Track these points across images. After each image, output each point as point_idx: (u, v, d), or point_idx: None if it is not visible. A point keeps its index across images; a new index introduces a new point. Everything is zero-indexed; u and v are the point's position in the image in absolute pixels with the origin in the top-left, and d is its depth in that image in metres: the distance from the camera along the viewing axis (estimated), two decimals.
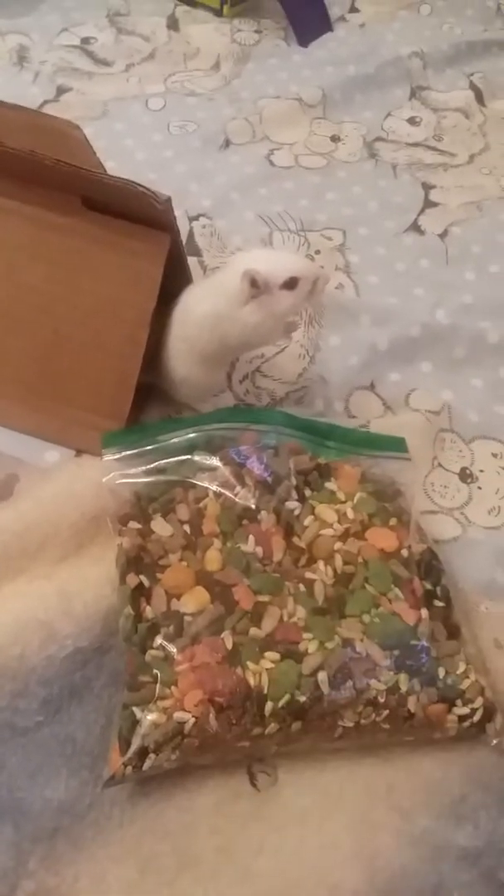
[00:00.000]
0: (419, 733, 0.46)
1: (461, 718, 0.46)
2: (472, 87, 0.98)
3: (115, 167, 0.56)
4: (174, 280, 0.58)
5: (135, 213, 0.54)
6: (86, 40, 0.96)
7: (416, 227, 0.79)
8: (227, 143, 0.85)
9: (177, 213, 0.54)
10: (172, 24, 1.01)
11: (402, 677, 0.45)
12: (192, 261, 0.67)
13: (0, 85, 0.87)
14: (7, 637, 0.45)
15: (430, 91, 0.96)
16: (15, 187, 0.55)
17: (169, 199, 0.52)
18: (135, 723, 0.43)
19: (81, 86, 0.89)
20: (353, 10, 1.08)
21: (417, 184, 0.84)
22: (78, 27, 0.97)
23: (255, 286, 0.50)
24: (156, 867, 0.42)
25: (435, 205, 0.82)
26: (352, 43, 1.01)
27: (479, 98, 0.96)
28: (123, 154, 0.81)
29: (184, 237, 0.64)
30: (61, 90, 0.88)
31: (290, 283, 0.51)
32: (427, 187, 0.84)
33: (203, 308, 0.54)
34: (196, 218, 0.76)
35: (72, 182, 0.54)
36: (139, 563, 0.48)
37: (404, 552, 0.50)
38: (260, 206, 0.78)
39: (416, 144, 0.89)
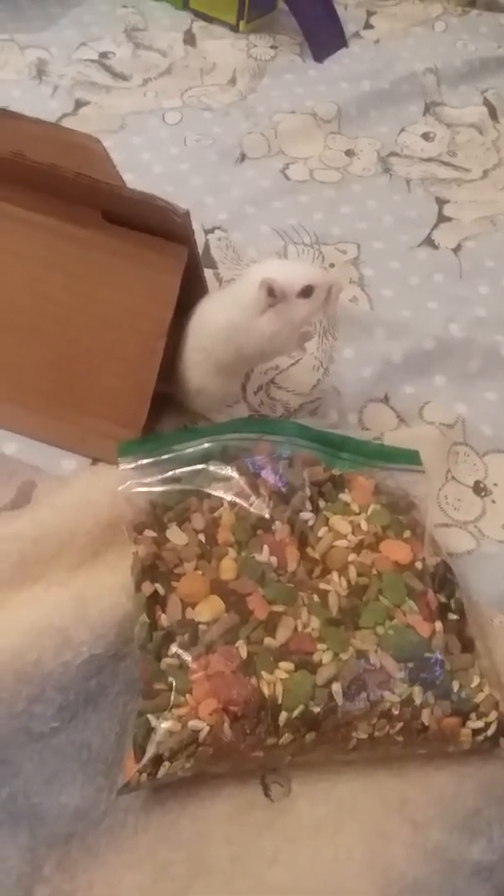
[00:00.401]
0: (433, 746, 0.46)
1: (475, 732, 0.46)
2: (486, 103, 0.98)
3: (132, 180, 0.57)
4: (191, 291, 0.58)
5: (153, 225, 0.55)
6: (104, 55, 0.97)
7: (429, 242, 0.80)
8: (243, 157, 0.86)
9: (193, 225, 0.54)
10: (189, 39, 1.02)
11: (417, 690, 0.45)
12: (207, 273, 0.67)
13: (19, 98, 0.88)
14: (24, 643, 0.46)
15: (444, 107, 0.97)
16: (36, 200, 0.56)
17: (187, 213, 0.52)
18: (150, 730, 0.43)
19: (99, 99, 0.90)
20: (368, 26, 1.09)
21: (431, 198, 0.85)
22: (96, 42, 0.99)
23: (273, 295, 0.51)
24: (169, 875, 0.42)
25: (449, 219, 0.82)
26: (367, 59, 1.02)
27: (493, 114, 0.97)
28: (141, 167, 0.82)
29: (200, 249, 0.65)
30: (80, 104, 0.89)
31: (306, 292, 0.52)
32: (441, 202, 0.84)
33: (219, 318, 0.55)
34: (212, 230, 0.77)
35: (92, 195, 0.54)
36: (154, 571, 0.49)
37: (418, 565, 0.51)
38: (275, 220, 0.79)
39: (430, 159, 0.90)
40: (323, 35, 1.03)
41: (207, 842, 0.43)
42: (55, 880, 0.41)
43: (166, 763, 0.42)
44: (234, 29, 1.03)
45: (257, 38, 1.03)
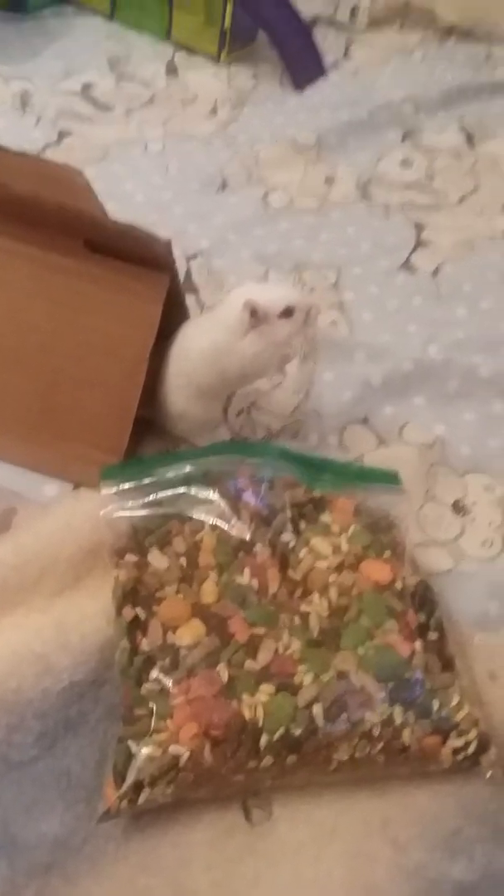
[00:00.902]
0: (414, 766, 0.46)
1: (455, 751, 0.46)
2: (463, 129, 1.01)
3: (115, 209, 0.58)
4: (172, 318, 0.59)
5: (135, 254, 0.56)
6: (87, 86, 0.99)
7: (408, 266, 0.81)
8: (224, 186, 0.87)
9: (175, 252, 0.55)
10: (171, 70, 1.04)
11: (397, 710, 0.46)
12: (189, 299, 0.68)
13: (3, 129, 0.89)
14: (3, 670, 0.46)
15: (422, 134, 0.99)
16: (19, 230, 0.57)
17: (169, 242, 0.53)
18: (130, 756, 0.43)
19: (83, 130, 0.92)
20: (347, 55, 1.11)
21: (410, 224, 0.86)
22: (79, 73, 1.01)
23: (255, 316, 0.52)
24: None
25: (427, 244, 0.84)
26: (346, 88, 1.04)
27: (470, 140, 0.99)
28: (123, 196, 0.83)
29: (181, 276, 0.66)
30: (63, 134, 0.91)
31: (287, 312, 0.53)
32: (419, 227, 0.86)
33: (202, 343, 0.56)
34: (194, 257, 0.78)
35: (74, 225, 0.55)
36: (135, 595, 0.49)
37: (398, 584, 0.51)
38: (256, 246, 0.80)
39: (408, 186, 0.91)
40: (302, 65, 1.05)
41: (188, 868, 0.43)
42: None
43: (147, 789, 0.42)
44: (216, 60, 1.06)
45: (238, 69, 1.06)
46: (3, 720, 0.45)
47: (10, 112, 0.92)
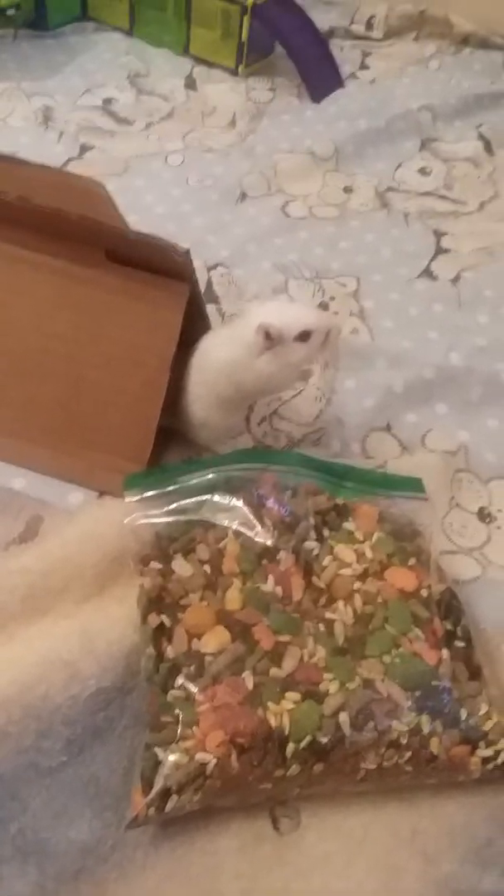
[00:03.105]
0: (442, 776, 0.46)
1: (485, 761, 0.46)
2: (481, 137, 1.01)
3: (136, 221, 0.58)
4: (193, 327, 0.59)
5: (155, 264, 0.57)
6: (107, 101, 1.00)
7: (428, 273, 0.81)
8: (244, 197, 0.88)
9: (195, 263, 0.56)
10: (190, 83, 1.05)
11: (424, 719, 0.45)
12: (210, 308, 0.69)
13: (27, 144, 0.91)
14: (32, 676, 0.46)
15: (440, 142, 1.00)
16: (42, 242, 0.58)
17: (188, 252, 0.54)
18: (157, 763, 0.43)
19: (103, 144, 0.93)
20: (364, 66, 1.12)
21: (429, 231, 0.86)
22: (100, 88, 1.02)
23: (269, 339, 0.52)
24: None
25: (446, 251, 0.84)
26: (363, 98, 1.05)
27: (488, 148, 0.99)
28: (144, 208, 0.84)
29: (202, 286, 0.66)
30: (84, 148, 0.92)
31: (304, 336, 0.53)
32: (439, 234, 0.86)
33: (220, 355, 0.56)
34: (214, 267, 0.78)
35: (96, 237, 0.56)
36: (160, 602, 0.49)
37: (424, 592, 0.51)
38: (275, 256, 0.81)
39: (426, 194, 0.92)
40: (320, 76, 1.06)
41: (217, 876, 0.43)
42: None
43: (174, 796, 0.42)
44: (234, 73, 1.07)
45: (256, 81, 1.07)
46: (32, 726, 0.45)
47: (34, 128, 0.94)
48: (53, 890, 0.42)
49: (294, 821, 0.46)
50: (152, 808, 0.42)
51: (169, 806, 0.42)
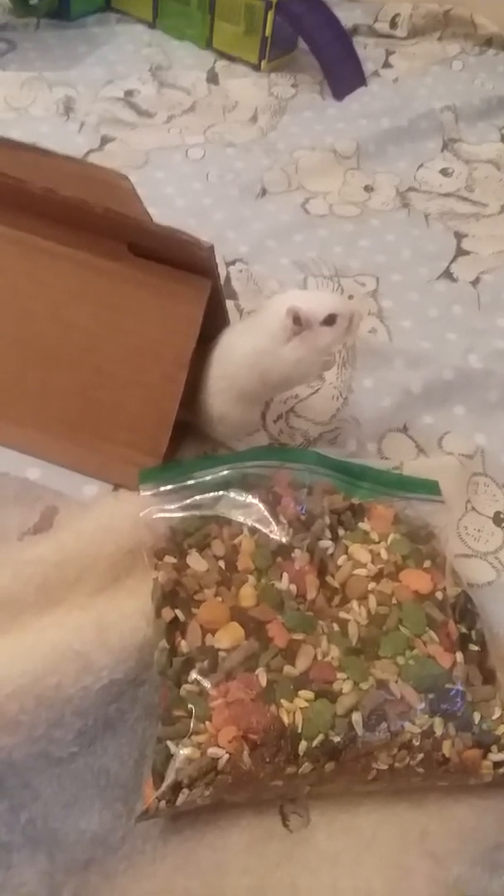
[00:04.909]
0: (454, 778, 0.46)
1: (496, 765, 0.45)
2: (503, 139, 1.00)
3: (156, 214, 0.58)
4: (213, 322, 0.59)
5: (178, 258, 0.56)
6: (129, 93, 1.00)
7: (448, 275, 0.81)
8: (264, 192, 0.88)
9: (216, 259, 0.56)
10: (212, 77, 1.05)
11: (437, 721, 0.45)
12: (228, 304, 0.69)
13: (48, 134, 0.91)
14: (45, 666, 0.46)
15: (462, 143, 0.99)
16: (65, 233, 0.58)
17: (211, 247, 0.54)
18: (169, 757, 0.43)
19: (125, 136, 0.93)
20: (387, 65, 1.12)
21: (450, 233, 0.86)
22: (122, 80, 1.02)
23: (298, 323, 0.52)
24: None
25: (467, 253, 0.84)
26: (385, 97, 1.05)
27: None
28: (164, 201, 0.84)
29: (221, 281, 0.66)
30: (105, 140, 0.92)
31: (330, 320, 0.53)
32: (459, 236, 0.85)
33: (244, 347, 0.56)
34: (233, 263, 0.78)
35: (119, 229, 0.56)
36: (175, 597, 0.49)
37: (439, 595, 0.51)
38: (295, 253, 0.80)
39: (448, 195, 0.91)
40: (342, 74, 1.05)
41: (225, 871, 0.43)
42: None
43: (185, 790, 0.42)
44: (256, 68, 1.06)
45: (278, 77, 1.06)
46: (44, 716, 0.45)
47: (55, 118, 0.94)
48: (63, 880, 0.42)
49: (303, 818, 0.46)
50: (163, 802, 0.42)
51: (180, 800, 0.42)
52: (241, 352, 0.56)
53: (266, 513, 0.52)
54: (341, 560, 0.52)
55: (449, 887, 0.44)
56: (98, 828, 0.43)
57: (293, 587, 0.49)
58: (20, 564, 0.52)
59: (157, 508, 0.53)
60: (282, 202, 0.87)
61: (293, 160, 0.92)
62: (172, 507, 0.53)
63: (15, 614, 0.50)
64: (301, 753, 0.43)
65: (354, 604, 0.50)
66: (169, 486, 0.54)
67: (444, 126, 1.01)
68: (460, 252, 0.83)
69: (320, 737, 0.44)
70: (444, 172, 0.94)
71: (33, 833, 0.43)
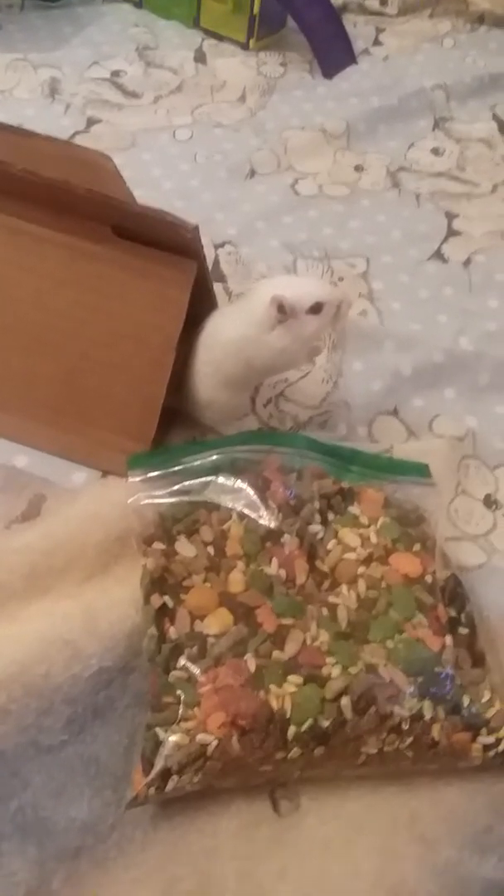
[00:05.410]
0: (443, 762, 0.46)
1: (486, 748, 0.45)
2: (495, 118, 0.99)
3: (142, 196, 0.57)
4: (200, 305, 0.59)
5: (163, 240, 0.56)
6: (115, 73, 0.98)
7: (439, 256, 0.80)
8: (253, 173, 0.87)
9: (203, 240, 0.55)
10: (200, 57, 1.03)
11: (427, 704, 0.45)
12: (217, 287, 0.68)
13: (33, 116, 0.89)
14: (33, 655, 0.46)
15: (454, 122, 0.98)
16: (48, 216, 0.57)
17: (196, 228, 0.53)
18: (158, 744, 0.43)
19: (111, 117, 0.91)
20: (377, 43, 1.10)
21: (441, 213, 0.85)
22: (108, 61, 1.00)
23: (282, 311, 0.51)
24: (178, 891, 0.42)
25: (458, 233, 0.83)
26: (375, 75, 1.03)
27: (502, 129, 0.98)
28: (151, 183, 0.82)
29: (209, 264, 0.65)
30: (91, 121, 0.90)
31: (316, 308, 0.52)
32: (450, 216, 0.84)
33: (229, 333, 0.55)
34: (221, 245, 0.77)
35: (102, 211, 0.55)
36: (163, 583, 0.49)
37: (428, 578, 0.50)
38: (284, 234, 0.79)
39: (439, 174, 0.90)
40: (332, 52, 1.03)
41: (215, 857, 0.43)
42: (63, 894, 0.41)
43: (174, 777, 0.42)
44: (245, 47, 1.05)
45: (267, 56, 1.04)
46: (33, 705, 0.45)
47: (40, 100, 0.92)
48: (53, 868, 0.42)
49: (293, 803, 0.46)
50: (152, 788, 0.42)
51: (169, 786, 0.42)
52: (226, 337, 0.56)
53: (255, 498, 0.52)
54: (331, 544, 0.51)
55: (439, 870, 0.44)
56: (88, 816, 0.43)
57: (282, 572, 0.49)
58: (7, 553, 0.51)
59: (145, 495, 0.52)
60: (271, 183, 0.86)
61: (282, 140, 0.91)
62: (161, 492, 0.52)
63: (2, 603, 0.49)
64: (290, 738, 0.43)
65: (344, 588, 0.49)
66: (157, 472, 0.53)
67: (436, 105, 0.99)
68: (451, 232, 0.83)
69: (309, 721, 0.44)
70: (436, 152, 0.93)
71: (23, 822, 0.43)
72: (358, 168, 0.90)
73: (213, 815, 0.45)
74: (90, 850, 0.43)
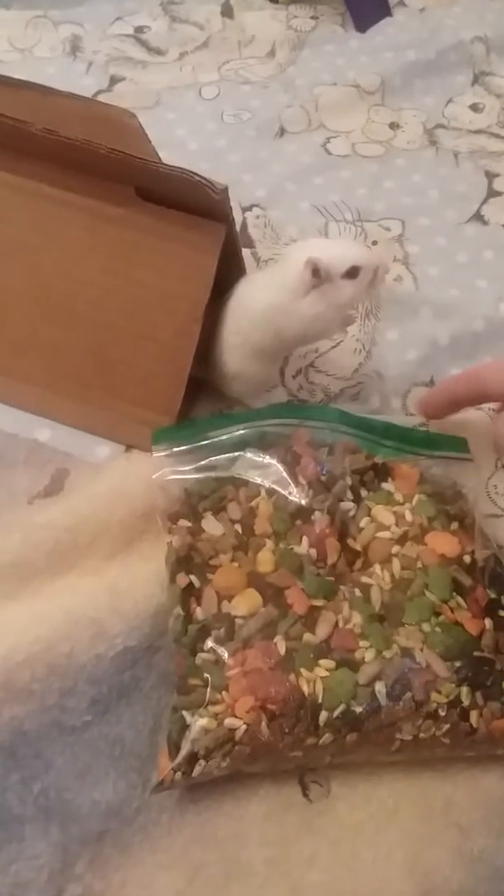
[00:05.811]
0: (481, 749, 0.44)
1: None
2: None
3: (167, 157, 0.55)
4: (228, 272, 0.56)
5: (189, 203, 0.53)
6: (139, 29, 0.95)
7: (479, 217, 0.76)
8: (282, 132, 0.83)
9: (231, 203, 0.52)
10: (227, 11, 0.99)
11: (465, 690, 0.43)
12: (245, 252, 0.65)
13: (54, 75, 0.86)
14: (57, 634, 0.45)
15: (494, 77, 0.93)
16: (69, 178, 0.55)
17: (225, 189, 0.50)
18: (184, 727, 0.42)
19: (135, 75, 0.88)
20: None
21: (480, 172, 0.81)
22: (131, 16, 0.96)
23: (317, 276, 0.49)
24: (204, 876, 0.41)
25: (499, 194, 0.79)
26: (411, 28, 0.98)
27: None
28: (176, 144, 0.80)
29: (237, 228, 0.62)
30: (114, 80, 0.87)
31: (352, 273, 0.50)
32: (491, 176, 0.80)
33: (259, 301, 0.53)
34: (249, 208, 0.74)
35: (126, 172, 0.52)
36: (189, 562, 0.47)
37: (466, 558, 0.48)
38: (315, 196, 0.76)
39: (478, 131, 0.86)
40: (366, 4, 0.98)
41: (243, 843, 0.42)
42: (87, 879, 0.41)
43: (201, 762, 0.41)
44: (274, 0, 1.00)
45: (297, 9, 1.00)
46: (57, 684, 0.44)
47: (61, 58, 0.89)
48: (76, 852, 0.41)
49: (324, 788, 0.44)
50: (179, 773, 0.41)
51: (196, 771, 0.41)
52: (255, 306, 0.53)
53: (285, 474, 0.50)
54: (363, 522, 0.49)
55: (474, 858, 0.42)
56: (112, 798, 0.43)
57: (313, 551, 0.47)
58: (31, 529, 0.50)
59: (170, 470, 0.51)
60: (301, 142, 0.82)
61: (313, 97, 0.87)
62: (187, 468, 0.51)
63: (26, 580, 0.48)
64: (322, 724, 0.42)
65: (377, 568, 0.47)
66: (183, 447, 0.52)
67: (475, 58, 0.94)
68: (492, 193, 0.79)
69: (342, 707, 0.42)
70: (475, 108, 0.89)
71: (46, 804, 0.42)
72: (393, 126, 0.86)
73: (240, 799, 0.43)
74: (114, 834, 0.42)
